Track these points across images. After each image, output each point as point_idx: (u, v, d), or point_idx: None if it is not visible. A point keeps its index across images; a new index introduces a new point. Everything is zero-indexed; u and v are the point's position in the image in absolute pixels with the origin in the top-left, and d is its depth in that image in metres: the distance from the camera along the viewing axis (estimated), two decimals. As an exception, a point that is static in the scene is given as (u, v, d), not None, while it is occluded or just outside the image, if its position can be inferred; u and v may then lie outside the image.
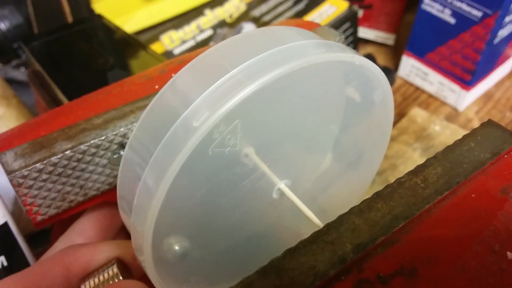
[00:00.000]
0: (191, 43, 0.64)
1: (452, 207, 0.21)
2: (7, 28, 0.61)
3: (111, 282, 0.25)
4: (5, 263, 0.30)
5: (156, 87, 0.27)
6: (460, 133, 0.58)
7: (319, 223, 0.23)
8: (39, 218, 0.25)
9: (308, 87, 0.24)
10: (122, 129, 0.25)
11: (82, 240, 0.27)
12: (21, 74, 0.57)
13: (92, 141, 0.24)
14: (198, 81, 0.22)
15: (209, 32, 0.66)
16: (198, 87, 0.21)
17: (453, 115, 0.62)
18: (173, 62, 0.30)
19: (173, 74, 0.28)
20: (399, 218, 0.20)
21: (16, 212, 0.38)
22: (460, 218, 0.21)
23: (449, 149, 0.23)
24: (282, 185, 0.24)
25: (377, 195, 0.21)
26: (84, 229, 0.28)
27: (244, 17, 0.68)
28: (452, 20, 0.57)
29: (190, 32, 0.65)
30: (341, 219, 0.21)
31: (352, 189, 0.30)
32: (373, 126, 0.27)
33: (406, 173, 0.22)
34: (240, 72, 0.20)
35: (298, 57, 0.20)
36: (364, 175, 0.30)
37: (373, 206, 0.21)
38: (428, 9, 0.59)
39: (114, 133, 0.25)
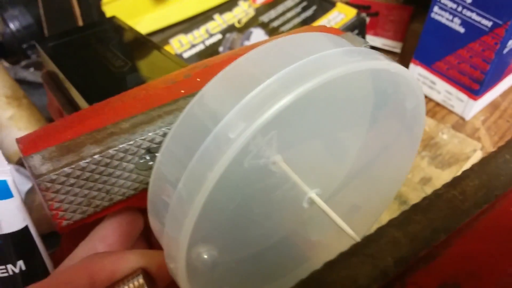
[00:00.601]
0: (200, 47, 0.64)
1: (492, 221, 0.21)
2: (16, 28, 0.60)
3: None
4: (24, 267, 0.29)
5: (182, 91, 0.27)
6: (468, 142, 0.58)
7: (353, 235, 0.22)
8: (64, 222, 0.24)
9: (340, 94, 0.24)
10: (150, 134, 0.25)
11: (104, 246, 0.27)
12: (30, 74, 0.57)
13: (120, 146, 0.24)
14: (231, 91, 0.21)
15: (218, 37, 0.65)
16: (232, 97, 0.20)
17: (459, 124, 0.62)
18: (198, 66, 0.29)
19: (198, 79, 0.27)
20: (439, 231, 0.20)
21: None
22: (501, 232, 0.20)
23: (485, 160, 0.23)
24: (313, 194, 0.24)
25: (415, 207, 0.21)
26: (105, 235, 0.27)
27: (252, 22, 0.68)
28: (461, 29, 0.57)
29: (199, 36, 0.65)
30: (380, 231, 0.20)
31: (380, 195, 0.30)
32: (403, 131, 0.27)
33: (443, 185, 0.22)
34: (275, 82, 0.20)
35: (334, 66, 0.20)
36: (391, 180, 0.30)
37: (412, 219, 0.21)
38: (437, 18, 0.59)
39: (142, 138, 0.24)
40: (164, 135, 0.25)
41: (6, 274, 0.30)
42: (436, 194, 0.22)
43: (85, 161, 0.23)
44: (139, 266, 0.25)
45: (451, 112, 0.64)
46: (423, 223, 0.20)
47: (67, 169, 0.23)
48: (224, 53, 0.31)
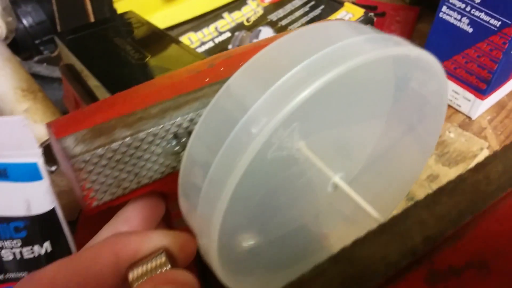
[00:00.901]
0: (210, 45, 0.65)
1: (516, 203, 0.21)
2: (29, 24, 0.61)
3: (159, 270, 0.25)
4: (49, 249, 0.30)
5: (206, 80, 0.28)
6: (475, 141, 0.59)
7: (377, 217, 0.23)
8: (94, 203, 0.25)
9: (363, 81, 0.25)
10: (178, 119, 0.25)
11: (127, 228, 0.28)
12: (44, 69, 0.57)
13: (150, 130, 0.25)
14: (254, 84, 0.22)
15: (227, 35, 0.66)
16: (255, 90, 0.21)
17: (466, 123, 0.63)
18: (220, 56, 0.30)
19: (221, 68, 0.28)
20: (465, 212, 0.21)
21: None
22: (525, 214, 0.21)
23: (508, 147, 0.23)
24: (337, 178, 0.25)
25: (440, 190, 0.21)
26: (129, 218, 0.28)
27: (261, 20, 0.68)
28: (469, 29, 0.58)
29: (208, 34, 0.66)
30: (407, 212, 0.21)
31: (398, 184, 0.31)
32: (426, 113, 0.27)
33: (466, 170, 0.22)
34: (299, 72, 0.21)
35: (357, 54, 0.21)
36: (413, 163, 0.30)
37: (438, 201, 0.21)
38: (446, 17, 0.59)
39: (171, 122, 0.25)
40: (191, 120, 0.26)
41: (32, 255, 0.30)
42: (461, 178, 0.22)
43: (116, 143, 0.24)
44: (161, 245, 0.26)
45: (457, 111, 0.64)
46: (449, 205, 0.21)
47: (99, 151, 0.23)
48: (246, 44, 0.31)
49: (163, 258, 0.25)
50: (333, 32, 0.23)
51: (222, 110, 0.22)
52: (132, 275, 0.25)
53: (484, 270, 0.19)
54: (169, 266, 0.25)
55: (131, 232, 0.27)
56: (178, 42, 0.40)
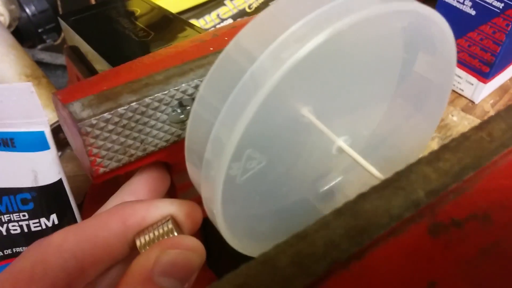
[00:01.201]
0: (212, 31, 0.65)
1: (520, 159, 0.21)
2: (32, 13, 0.61)
3: (165, 237, 0.25)
4: (56, 221, 0.30)
5: (211, 49, 0.28)
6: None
7: (379, 176, 0.23)
8: (101, 170, 0.25)
9: (368, 40, 0.25)
10: (183, 85, 0.26)
11: (133, 199, 0.28)
12: (48, 56, 0.58)
13: (156, 95, 0.25)
14: (263, 36, 0.22)
15: (229, 21, 0.66)
16: (263, 41, 0.21)
17: (469, 107, 0.63)
18: (224, 27, 0.30)
19: (226, 38, 0.28)
20: (468, 168, 0.21)
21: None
22: (528, 170, 0.21)
23: (511, 107, 0.23)
24: (340, 142, 0.25)
25: (444, 147, 0.22)
26: (135, 189, 0.28)
27: (263, 7, 0.68)
28: (472, 12, 0.58)
29: (210, 21, 0.66)
30: (410, 167, 0.21)
31: (412, 141, 0.31)
32: (433, 73, 0.27)
33: (470, 128, 0.22)
34: (304, 26, 0.21)
35: (361, 8, 0.21)
36: (424, 125, 0.30)
37: (441, 157, 0.21)
38: (448, 0, 0.59)
39: (176, 88, 0.25)
40: (196, 87, 0.26)
41: (39, 228, 0.30)
42: (464, 136, 0.22)
43: (123, 107, 0.24)
44: (168, 213, 0.26)
45: (460, 95, 0.64)
46: (452, 161, 0.21)
47: (106, 115, 0.24)
48: (250, 17, 0.32)
49: (170, 225, 0.26)
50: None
51: (232, 60, 0.22)
52: (139, 242, 0.25)
53: (486, 222, 0.19)
54: (176, 233, 0.26)
55: (138, 200, 0.27)
56: (182, 20, 0.40)
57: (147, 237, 0.25)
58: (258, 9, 0.68)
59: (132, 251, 0.26)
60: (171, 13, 0.41)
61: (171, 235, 0.25)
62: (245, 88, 0.20)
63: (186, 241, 0.25)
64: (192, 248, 0.24)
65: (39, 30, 0.64)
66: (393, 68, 0.27)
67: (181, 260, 0.24)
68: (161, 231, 0.26)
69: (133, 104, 0.24)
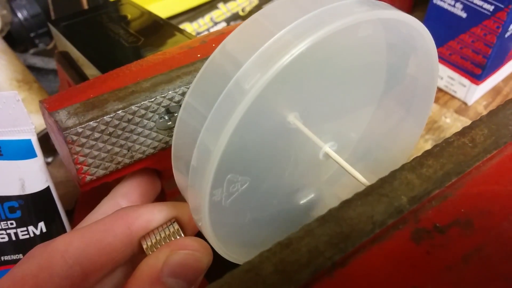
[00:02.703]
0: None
1: (501, 165, 0.22)
2: (24, 17, 0.61)
3: (172, 238, 0.26)
4: (44, 229, 0.30)
5: (198, 55, 0.28)
6: (471, 125, 0.59)
7: (365, 182, 0.23)
8: (87, 178, 0.25)
9: (351, 46, 0.25)
10: (170, 92, 0.26)
11: (127, 202, 0.28)
12: (39, 61, 0.58)
13: (142, 102, 0.25)
14: (248, 44, 0.22)
15: (222, 25, 0.67)
16: (248, 49, 0.21)
17: (462, 109, 0.63)
18: (213, 33, 0.30)
19: (213, 44, 0.28)
20: (451, 174, 0.21)
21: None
22: (509, 175, 0.21)
23: (493, 112, 0.24)
24: (327, 148, 0.25)
25: (427, 153, 0.22)
26: (128, 192, 0.29)
27: (256, 10, 0.68)
28: (463, 14, 0.58)
29: (204, 25, 0.66)
30: (394, 174, 0.21)
31: (400, 146, 0.31)
32: (417, 75, 0.28)
33: (453, 134, 0.23)
34: (288, 33, 0.21)
35: (344, 16, 0.21)
36: (412, 125, 0.30)
37: (424, 163, 0.21)
38: (440, 3, 0.60)
39: (163, 95, 0.25)
40: (183, 94, 0.26)
41: (27, 236, 0.30)
42: (447, 141, 0.22)
43: (109, 115, 0.24)
44: (172, 216, 0.27)
45: (453, 97, 0.64)
46: (434, 167, 0.21)
47: (92, 123, 0.24)
48: (238, 23, 0.32)
49: (176, 226, 0.26)
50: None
51: (216, 70, 0.22)
52: (146, 244, 0.26)
53: (469, 228, 0.20)
54: (182, 234, 0.26)
55: (140, 205, 0.27)
56: (172, 26, 0.40)
57: (153, 239, 0.26)
58: (252, 12, 0.68)
59: (135, 254, 0.26)
60: (161, 19, 0.41)
61: (177, 236, 0.26)
62: (230, 94, 0.21)
63: (194, 242, 0.25)
64: (200, 249, 0.25)
65: (31, 35, 0.64)
66: (377, 72, 0.27)
67: (190, 261, 0.24)
68: (167, 232, 0.26)
69: (119, 112, 0.24)
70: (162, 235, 0.26)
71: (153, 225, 0.26)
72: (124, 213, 0.26)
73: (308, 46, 0.20)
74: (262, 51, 0.21)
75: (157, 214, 0.26)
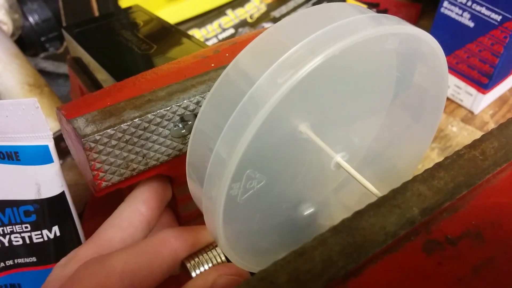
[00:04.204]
0: (213, 41, 0.66)
1: (511, 178, 0.22)
2: (35, 22, 0.62)
3: (214, 260, 0.28)
4: (58, 233, 0.31)
5: (212, 65, 0.29)
6: (478, 134, 0.60)
7: (376, 193, 0.24)
8: (103, 184, 0.26)
9: (362, 60, 0.25)
10: (185, 101, 0.26)
11: (146, 208, 0.29)
12: (50, 65, 0.58)
13: (158, 111, 0.25)
14: (261, 59, 0.22)
15: (231, 31, 0.67)
16: (261, 65, 0.22)
17: (468, 118, 0.63)
18: (226, 43, 0.31)
19: (227, 54, 0.29)
20: (462, 186, 0.21)
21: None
22: (520, 187, 0.22)
23: (503, 126, 0.24)
24: (338, 158, 0.25)
25: (438, 165, 0.22)
26: (147, 200, 0.29)
27: (264, 17, 0.69)
28: (471, 24, 0.58)
29: (212, 31, 0.67)
30: (406, 185, 0.22)
31: (408, 155, 0.31)
32: (427, 86, 0.28)
33: (464, 147, 0.23)
34: (302, 48, 0.21)
35: (357, 31, 0.21)
36: (422, 134, 0.31)
37: (436, 175, 0.22)
38: (447, 12, 0.60)
39: (178, 104, 0.26)
40: (198, 103, 0.27)
41: (41, 240, 0.31)
42: (458, 154, 0.23)
43: (126, 123, 0.25)
44: (211, 240, 0.29)
45: (460, 106, 0.65)
46: (446, 179, 0.22)
47: (109, 131, 0.24)
48: (251, 32, 0.32)
49: (218, 250, 0.28)
50: (336, 11, 0.24)
51: (231, 82, 0.23)
52: (189, 264, 0.28)
53: (478, 239, 0.20)
54: (224, 256, 0.28)
55: (185, 228, 0.29)
56: (183, 33, 0.40)
57: (196, 260, 0.28)
58: (260, 19, 0.69)
59: (176, 271, 0.28)
60: (172, 25, 0.42)
61: (219, 260, 0.28)
62: (244, 109, 0.21)
63: (238, 268, 0.27)
64: (242, 275, 0.27)
65: (42, 39, 0.65)
66: (388, 84, 0.28)
67: (233, 285, 0.26)
68: (211, 254, 0.28)
69: (136, 120, 0.25)
70: (206, 256, 0.28)
71: (197, 247, 0.28)
72: (172, 237, 0.28)
73: (319, 64, 0.20)
74: (276, 66, 0.21)
75: (202, 238, 0.29)
